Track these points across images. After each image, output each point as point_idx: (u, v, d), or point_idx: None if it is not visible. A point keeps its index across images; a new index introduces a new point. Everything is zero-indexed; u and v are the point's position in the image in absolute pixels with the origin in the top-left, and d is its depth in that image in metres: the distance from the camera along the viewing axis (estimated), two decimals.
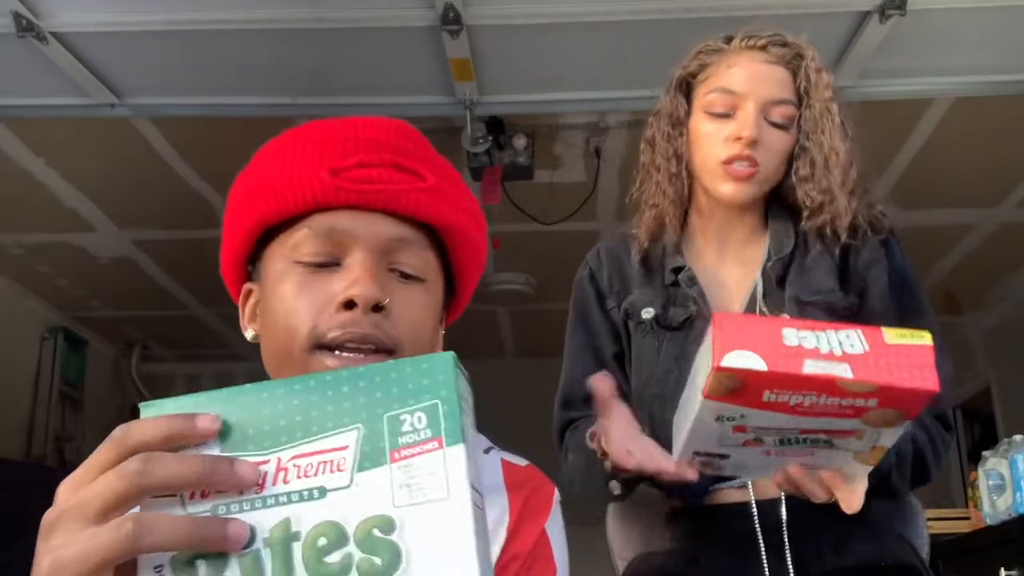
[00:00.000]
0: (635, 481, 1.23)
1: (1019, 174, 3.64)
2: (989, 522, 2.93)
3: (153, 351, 5.68)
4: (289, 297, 0.86)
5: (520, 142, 3.26)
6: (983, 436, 4.88)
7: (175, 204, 3.81)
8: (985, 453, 3.03)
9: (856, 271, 1.37)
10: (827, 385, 0.91)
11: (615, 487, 1.24)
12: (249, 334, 0.94)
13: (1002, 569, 2.64)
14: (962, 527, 3.13)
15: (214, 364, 5.94)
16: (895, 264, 1.38)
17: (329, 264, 0.86)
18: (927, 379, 0.89)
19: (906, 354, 0.91)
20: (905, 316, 1.35)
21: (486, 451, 0.98)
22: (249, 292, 0.95)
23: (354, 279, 0.84)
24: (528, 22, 2.38)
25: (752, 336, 0.93)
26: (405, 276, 0.89)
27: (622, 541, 1.53)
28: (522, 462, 0.99)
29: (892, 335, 0.91)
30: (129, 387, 5.68)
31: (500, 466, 0.96)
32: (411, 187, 0.88)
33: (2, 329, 4.58)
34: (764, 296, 1.37)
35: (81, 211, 3.89)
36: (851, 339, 0.92)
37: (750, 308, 1.36)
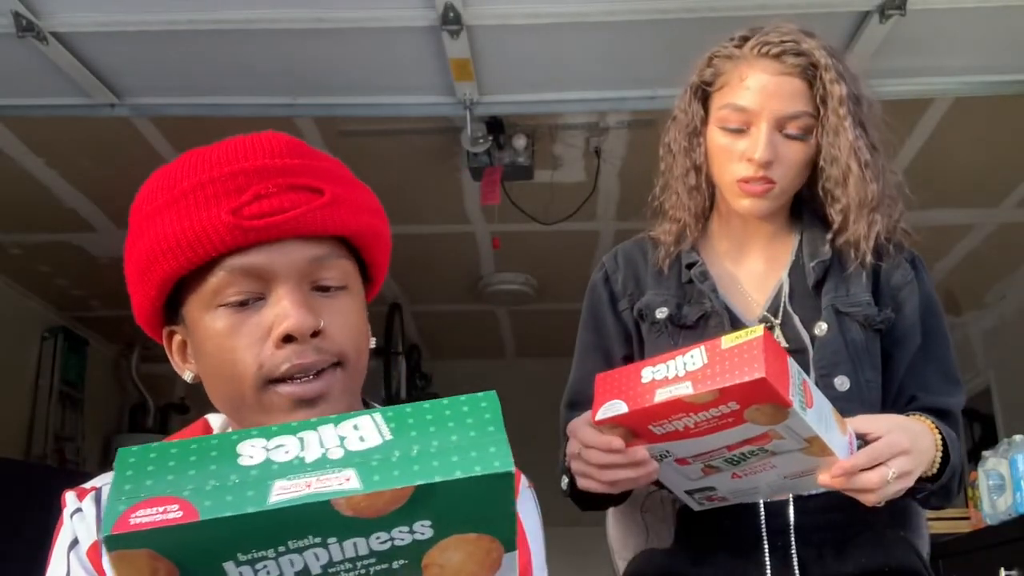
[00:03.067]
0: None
1: (1019, 174, 3.64)
2: (989, 522, 2.93)
3: (153, 351, 5.67)
4: (224, 341, 0.88)
5: (520, 142, 3.26)
6: (983, 436, 4.87)
7: None
8: (985, 453, 3.03)
9: (888, 290, 1.36)
10: (681, 405, 0.99)
11: (564, 482, 1.30)
12: (188, 376, 0.96)
13: (1002, 569, 2.64)
14: (962, 527, 3.13)
15: None
16: (924, 287, 1.38)
17: (254, 300, 0.89)
18: (754, 369, 0.95)
19: (738, 353, 0.97)
20: (927, 336, 1.36)
21: None
22: (172, 334, 0.96)
23: (285, 313, 0.87)
24: (528, 22, 2.38)
25: (620, 385, 1.02)
26: (328, 289, 0.91)
27: (622, 541, 1.52)
28: None
29: (728, 340, 0.98)
30: (129, 387, 5.68)
31: None
32: (312, 206, 0.89)
33: (2, 329, 4.58)
34: (791, 297, 1.35)
35: (81, 211, 3.89)
36: (694, 357, 0.99)
37: (773, 307, 1.35)
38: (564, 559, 2.86)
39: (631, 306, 1.42)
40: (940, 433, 1.22)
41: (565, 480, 1.29)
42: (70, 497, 0.97)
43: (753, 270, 1.40)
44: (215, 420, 1.05)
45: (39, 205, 3.77)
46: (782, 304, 1.35)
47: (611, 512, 1.54)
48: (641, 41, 2.44)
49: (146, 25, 2.37)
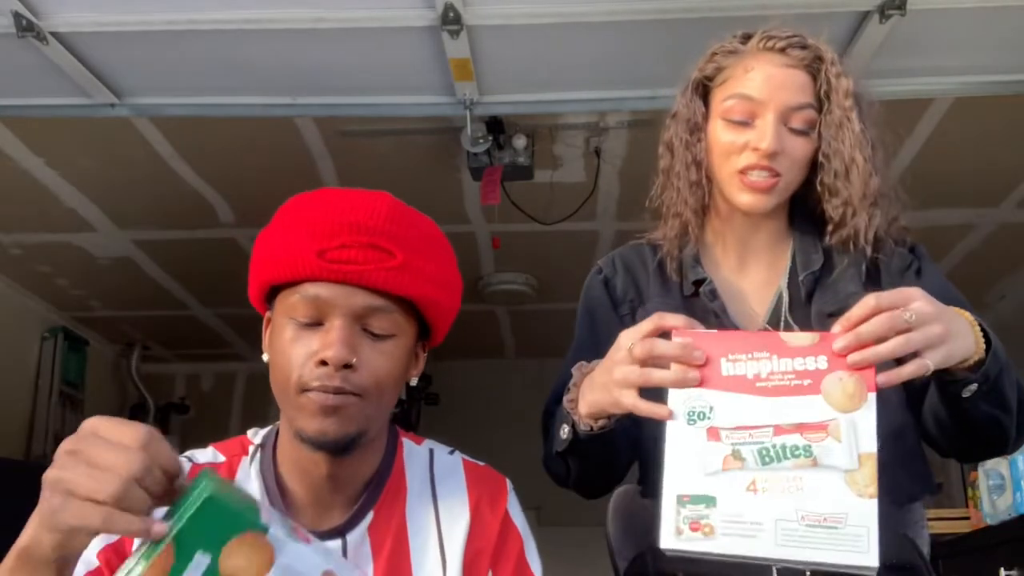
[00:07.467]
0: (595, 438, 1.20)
1: (1019, 174, 3.64)
2: (989, 522, 2.94)
3: (153, 351, 5.68)
4: (287, 346, 1.10)
5: (520, 142, 3.26)
6: None
7: (175, 204, 3.81)
8: None
9: (889, 277, 1.34)
10: (774, 342, 1.00)
11: (565, 431, 1.23)
12: (265, 357, 1.17)
13: (1002, 569, 2.64)
14: (962, 527, 3.13)
15: (214, 364, 5.94)
16: (929, 273, 1.36)
17: (315, 324, 1.10)
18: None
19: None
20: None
21: (450, 453, 1.27)
22: (268, 320, 1.18)
23: (329, 342, 1.07)
24: (528, 22, 2.38)
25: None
26: (375, 335, 1.11)
27: (622, 540, 1.52)
28: (479, 463, 1.27)
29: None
30: (129, 387, 5.68)
31: (461, 464, 1.25)
32: (381, 266, 1.09)
33: (2, 329, 4.58)
34: (790, 307, 1.34)
35: (81, 211, 3.89)
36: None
37: (774, 318, 1.34)
38: (564, 559, 2.86)
39: (632, 312, 1.41)
40: (976, 320, 1.11)
41: (566, 429, 1.23)
42: None
43: (755, 279, 1.39)
44: (255, 435, 1.24)
45: (39, 205, 3.77)
46: (783, 315, 1.34)
47: (611, 512, 1.54)
48: (641, 41, 2.44)
49: (146, 25, 2.36)
